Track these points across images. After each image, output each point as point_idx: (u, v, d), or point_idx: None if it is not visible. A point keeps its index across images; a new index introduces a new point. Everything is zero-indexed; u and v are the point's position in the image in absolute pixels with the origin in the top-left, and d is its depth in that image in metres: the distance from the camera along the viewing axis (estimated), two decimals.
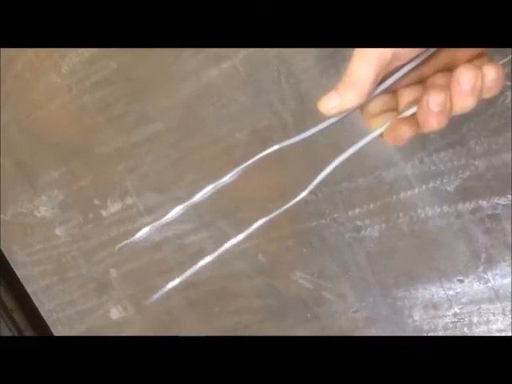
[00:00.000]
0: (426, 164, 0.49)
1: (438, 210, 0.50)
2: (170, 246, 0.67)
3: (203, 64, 0.56)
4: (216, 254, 0.35)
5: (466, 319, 0.53)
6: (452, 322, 0.53)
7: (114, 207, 0.69)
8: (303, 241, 0.58)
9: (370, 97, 0.32)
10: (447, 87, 0.30)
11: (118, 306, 0.75)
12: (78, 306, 0.80)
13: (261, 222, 0.35)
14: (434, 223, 0.51)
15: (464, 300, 0.52)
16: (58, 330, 0.82)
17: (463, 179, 0.48)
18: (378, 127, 0.33)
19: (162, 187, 0.64)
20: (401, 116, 0.32)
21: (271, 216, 0.35)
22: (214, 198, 0.64)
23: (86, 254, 0.74)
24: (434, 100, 0.29)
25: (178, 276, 0.70)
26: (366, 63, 0.30)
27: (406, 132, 0.31)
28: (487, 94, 0.30)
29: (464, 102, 0.29)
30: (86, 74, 0.62)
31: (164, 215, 0.68)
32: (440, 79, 0.32)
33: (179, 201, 0.65)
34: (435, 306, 0.54)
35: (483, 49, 0.32)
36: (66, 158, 0.69)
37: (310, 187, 0.34)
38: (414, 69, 0.32)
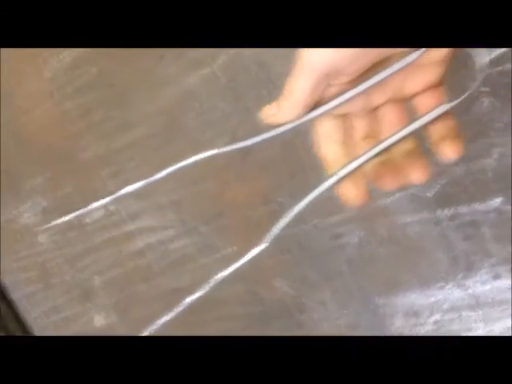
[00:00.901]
0: None
1: (417, 216, 0.50)
2: (154, 253, 0.67)
3: (183, 70, 0.55)
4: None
5: (447, 326, 0.52)
6: (433, 330, 0.53)
7: (97, 214, 0.68)
8: (284, 247, 0.58)
9: (313, 113, 0.31)
10: (399, 172, 0.31)
11: (102, 313, 0.75)
12: (62, 313, 0.79)
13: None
14: (413, 230, 0.50)
15: (445, 307, 0.52)
16: None
17: (442, 185, 0.48)
18: (330, 159, 0.33)
19: (145, 193, 0.64)
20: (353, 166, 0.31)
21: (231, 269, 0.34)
22: (196, 204, 0.64)
23: (70, 260, 0.74)
24: (389, 187, 0.31)
25: (161, 282, 0.69)
26: (304, 73, 0.29)
27: (353, 200, 0.32)
28: None
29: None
30: (67, 79, 0.62)
31: (148, 222, 0.68)
32: (391, 112, 0.32)
33: (161, 208, 0.65)
34: (416, 314, 0.53)
35: (439, 78, 0.31)
36: (49, 164, 0.69)
37: (270, 237, 0.34)
38: (362, 93, 0.31)
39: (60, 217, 0.73)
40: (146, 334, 0.35)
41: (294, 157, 0.52)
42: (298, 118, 0.31)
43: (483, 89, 0.43)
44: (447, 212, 0.48)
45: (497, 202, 0.46)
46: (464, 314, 0.51)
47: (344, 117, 0.33)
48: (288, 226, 0.58)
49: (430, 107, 0.31)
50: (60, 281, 0.77)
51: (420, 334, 0.54)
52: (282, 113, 0.31)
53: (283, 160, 0.53)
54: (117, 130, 0.61)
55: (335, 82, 0.30)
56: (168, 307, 0.69)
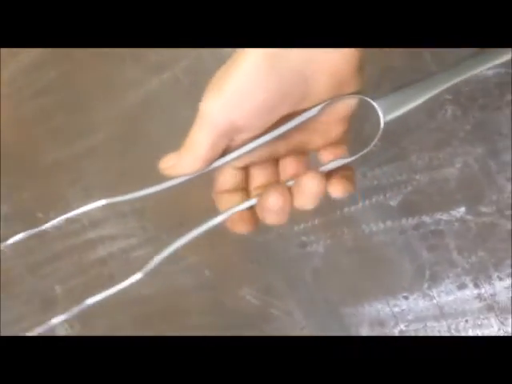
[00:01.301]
0: (368, 178, 0.48)
1: (382, 225, 0.49)
2: (116, 261, 0.65)
3: (145, 73, 0.54)
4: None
5: None
6: None
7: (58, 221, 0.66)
8: (249, 256, 0.57)
9: (213, 166, 0.30)
10: (288, 190, 0.30)
11: (64, 324, 0.73)
12: (24, 323, 0.77)
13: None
14: (378, 239, 0.49)
15: (410, 317, 0.51)
16: None
17: (405, 194, 0.47)
18: (225, 205, 0.32)
19: None
20: (245, 206, 0.31)
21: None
22: (158, 211, 0.62)
23: (30, 269, 0.71)
24: (273, 203, 0.29)
25: (124, 292, 0.67)
26: (204, 129, 0.28)
27: (243, 227, 0.32)
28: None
29: (306, 205, 0.30)
30: (26, 82, 0.60)
31: (110, 229, 0.66)
32: (291, 165, 0.31)
33: (124, 215, 0.64)
34: (382, 324, 0.52)
35: (340, 136, 0.31)
36: (8, 169, 0.66)
37: (147, 269, 0.33)
38: (265, 144, 0.30)
39: (20, 224, 0.71)
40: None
41: None
42: (198, 171, 0.30)
43: (446, 96, 0.43)
44: (411, 221, 0.47)
45: (460, 211, 0.45)
46: (429, 324, 0.50)
47: (245, 167, 0.32)
48: (254, 234, 0.57)
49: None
50: (22, 290, 0.74)
51: None
52: (181, 165, 0.30)
53: None
54: (77, 135, 0.60)
55: (238, 138, 0.30)
56: (131, 317, 0.68)
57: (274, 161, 0.32)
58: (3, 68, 0.61)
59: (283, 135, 0.30)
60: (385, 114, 0.29)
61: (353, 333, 0.54)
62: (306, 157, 0.32)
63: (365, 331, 0.54)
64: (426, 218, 0.47)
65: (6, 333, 0.78)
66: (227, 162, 0.31)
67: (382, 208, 0.48)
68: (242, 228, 0.32)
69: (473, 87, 0.41)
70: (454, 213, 0.46)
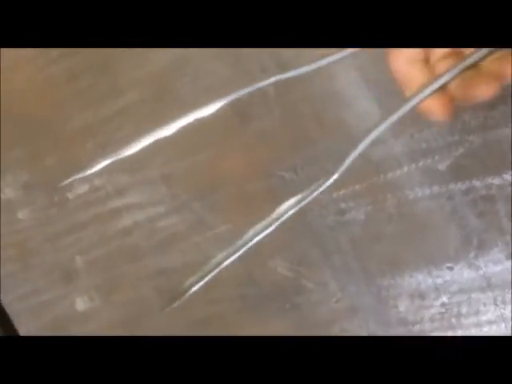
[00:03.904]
0: (416, 140, 0.45)
1: (428, 190, 0.47)
2: (141, 231, 0.63)
3: None
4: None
5: (455, 309, 0.49)
6: (439, 313, 0.50)
7: (81, 189, 0.64)
8: (283, 225, 0.54)
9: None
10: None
11: (84, 297, 0.71)
12: (42, 296, 0.75)
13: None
14: (423, 205, 0.47)
15: (453, 289, 0.49)
16: (20, 322, 0.77)
17: (456, 157, 0.45)
18: (408, 77, 0.31)
19: (133, 167, 0.60)
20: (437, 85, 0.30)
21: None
22: (189, 177, 0.60)
23: (50, 239, 0.70)
24: (480, 95, 0.30)
25: (149, 263, 0.65)
26: None
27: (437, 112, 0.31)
28: None
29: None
30: None
31: (136, 197, 0.64)
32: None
33: (151, 182, 0.62)
34: (422, 296, 0.50)
35: None
36: (31, 135, 0.64)
37: (335, 176, 0.31)
38: None
39: (42, 192, 0.69)
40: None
41: (298, 125, 0.49)
42: None
43: None
44: (461, 186, 0.45)
45: None
46: (474, 296, 0.48)
47: None
48: (289, 201, 0.55)
49: None
50: (40, 261, 0.72)
51: (425, 318, 0.51)
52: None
53: (285, 129, 0.50)
54: (104, 97, 0.57)
55: None
56: (156, 290, 0.66)
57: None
58: None
59: None
60: None
61: (390, 306, 0.52)
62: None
63: (403, 304, 0.51)
64: (477, 183, 0.45)
65: (24, 306, 0.76)
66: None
67: (429, 172, 0.46)
68: (439, 114, 0.32)
69: None
70: (506, 177, 0.44)
